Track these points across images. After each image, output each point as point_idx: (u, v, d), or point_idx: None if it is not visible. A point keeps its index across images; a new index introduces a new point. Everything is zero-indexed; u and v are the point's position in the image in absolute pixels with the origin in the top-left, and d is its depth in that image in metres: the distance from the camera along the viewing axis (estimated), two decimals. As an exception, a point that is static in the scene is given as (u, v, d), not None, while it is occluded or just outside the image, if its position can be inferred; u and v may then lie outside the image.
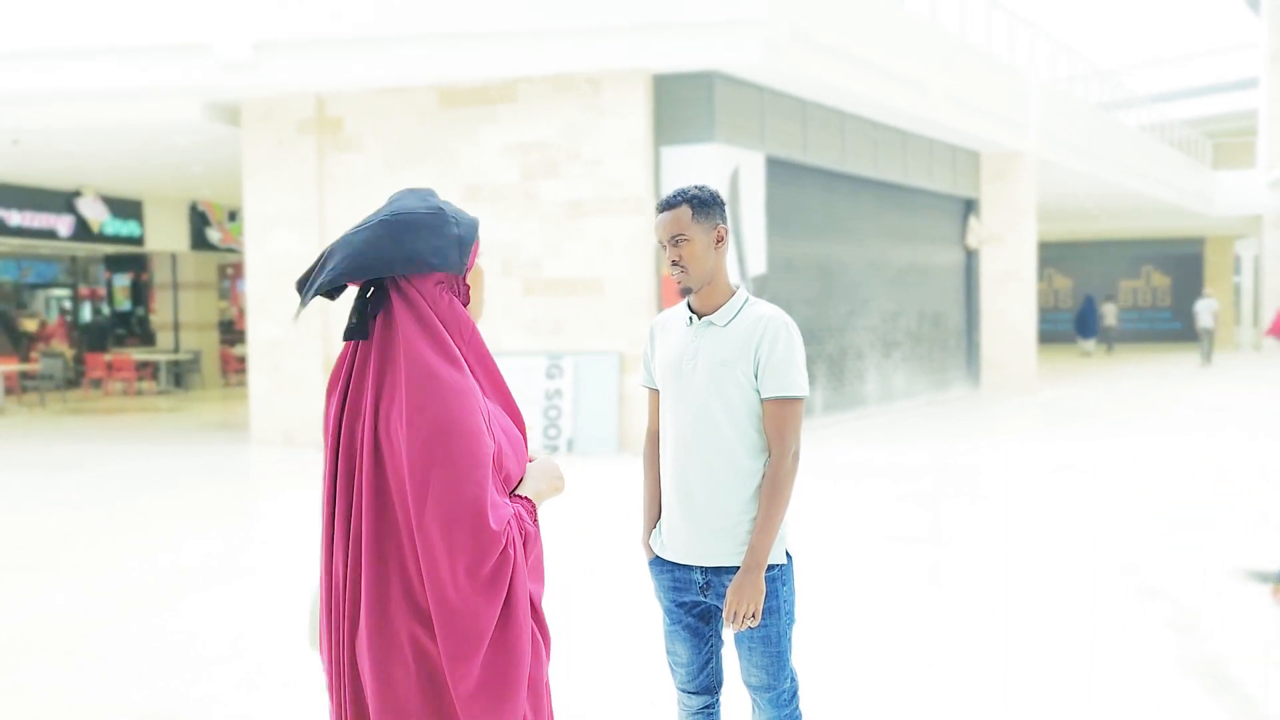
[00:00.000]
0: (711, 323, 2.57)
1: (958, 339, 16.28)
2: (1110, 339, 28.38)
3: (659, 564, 2.65)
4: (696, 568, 2.57)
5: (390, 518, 1.84)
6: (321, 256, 1.91)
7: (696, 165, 10.44)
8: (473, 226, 1.98)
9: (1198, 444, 10.85)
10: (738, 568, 2.51)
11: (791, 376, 2.50)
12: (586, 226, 10.39)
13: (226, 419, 13.99)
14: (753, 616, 2.46)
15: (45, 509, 8.17)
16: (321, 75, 10.55)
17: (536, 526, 1.94)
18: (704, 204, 2.55)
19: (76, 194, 16.87)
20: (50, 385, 17.03)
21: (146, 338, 22.14)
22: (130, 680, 4.29)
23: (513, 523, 1.86)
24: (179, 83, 10.70)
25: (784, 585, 2.56)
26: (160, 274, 20.33)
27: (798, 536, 5.96)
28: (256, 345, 11.41)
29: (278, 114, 11.16)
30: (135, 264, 22.72)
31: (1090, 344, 27.69)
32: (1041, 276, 28.37)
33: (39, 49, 10.46)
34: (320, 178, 11.11)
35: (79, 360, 19.11)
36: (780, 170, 11.54)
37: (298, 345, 11.16)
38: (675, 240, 2.54)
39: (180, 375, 19.01)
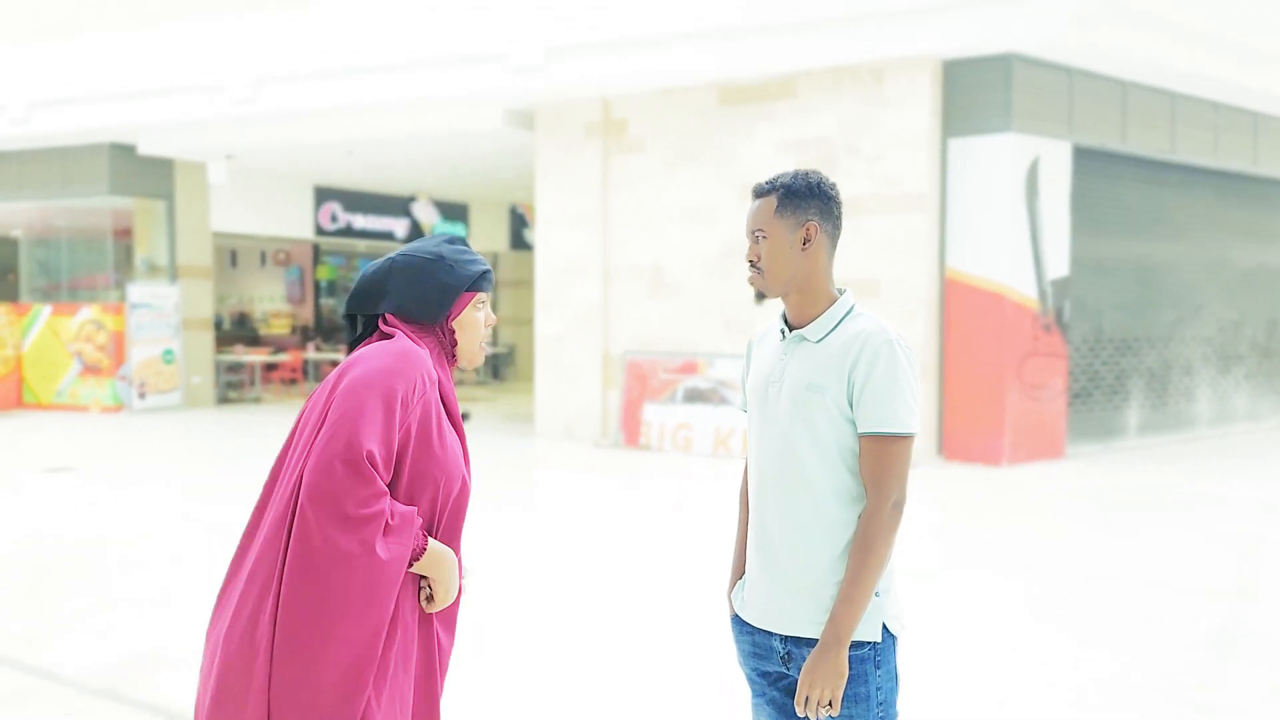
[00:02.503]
0: (803, 338, 2.15)
1: (1324, 354, 13.90)
2: None
3: (739, 624, 2.25)
4: (776, 634, 2.15)
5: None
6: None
7: (988, 157, 9.61)
8: (468, 277, 1.98)
9: None
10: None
11: (894, 408, 2.03)
12: (863, 225, 9.84)
13: (525, 410, 14.70)
14: (830, 705, 2.01)
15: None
16: (607, 78, 10.74)
17: (407, 543, 1.83)
18: (793, 195, 2.14)
19: (412, 199, 18.49)
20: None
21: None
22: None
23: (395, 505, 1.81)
24: (481, 90, 11.29)
25: (877, 669, 2.07)
26: (484, 272, 21.87)
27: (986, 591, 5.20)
28: (542, 340, 11.87)
29: (567, 117, 11.54)
30: (468, 263, 24.65)
31: None
32: None
33: (361, 65, 11.45)
34: (604, 178, 11.36)
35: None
36: (1090, 160, 10.35)
37: (578, 341, 11.49)
38: (755, 235, 2.17)
39: (498, 367, 20.33)
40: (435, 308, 1.96)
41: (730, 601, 2.30)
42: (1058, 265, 10.02)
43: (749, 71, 10.29)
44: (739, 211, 10.56)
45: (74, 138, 14.01)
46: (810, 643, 2.09)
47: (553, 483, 9.55)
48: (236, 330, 21.06)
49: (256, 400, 16.13)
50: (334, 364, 18.36)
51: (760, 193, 2.18)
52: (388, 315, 1.96)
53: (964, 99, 9.69)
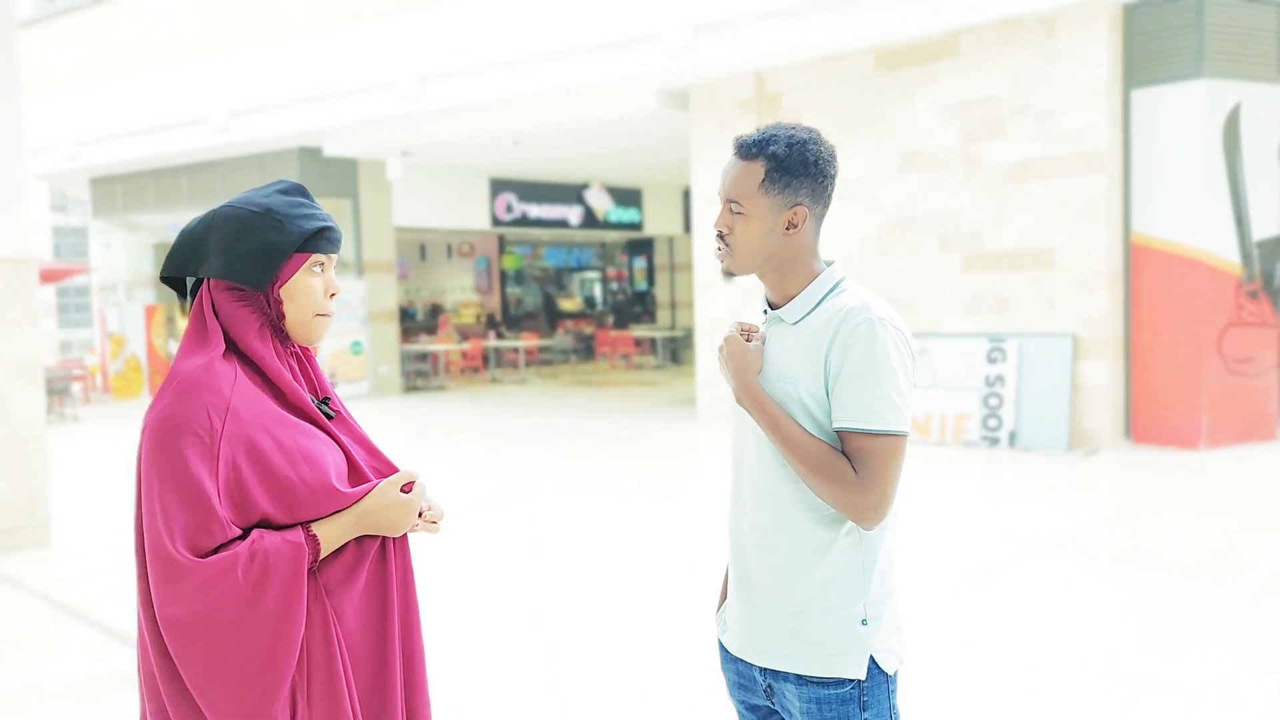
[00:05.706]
0: (780, 319, 1.86)
1: None
2: None
3: (724, 652, 1.99)
4: (756, 666, 1.88)
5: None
6: None
7: (1178, 108, 8.67)
8: (300, 235, 1.66)
9: None
10: (804, 677, 1.79)
11: (871, 400, 1.71)
12: (1035, 190, 9.09)
13: (693, 395, 14.55)
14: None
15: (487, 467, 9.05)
16: (759, 51, 10.37)
17: (292, 567, 1.57)
18: (784, 171, 1.77)
19: (585, 186, 18.64)
20: (563, 358, 19.09)
21: (653, 315, 24.06)
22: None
23: (242, 551, 1.56)
24: (634, 74, 11.16)
25: (863, 711, 1.77)
26: (659, 256, 21.84)
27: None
28: (702, 324, 11.66)
29: (720, 95, 11.25)
30: (648, 248, 24.74)
31: None
32: None
33: (515, 57, 11.55)
34: (760, 155, 11.00)
35: (591, 337, 21.25)
36: (1306, 104, 9.16)
37: (738, 325, 11.20)
38: (730, 206, 1.82)
39: (675, 351, 20.28)
40: (259, 271, 1.64)
41: (719, 623, 2.04)
42: (1266, 224, 8.93)
43: (907, 32, 9.69)
44: (900, 184, 9.99)
45: (267, 144, 14.88)
46: (790, 678, 1.81)
47: (700, 467, 9.34)
48: (430, 320, 21.97)
49: (440, 388, 16.72)
50: (515, 351, 18.76)
51: (745, 154, 1.80)
52: (209, 281, 1.67)
53: (1147, 45, 8.76)
